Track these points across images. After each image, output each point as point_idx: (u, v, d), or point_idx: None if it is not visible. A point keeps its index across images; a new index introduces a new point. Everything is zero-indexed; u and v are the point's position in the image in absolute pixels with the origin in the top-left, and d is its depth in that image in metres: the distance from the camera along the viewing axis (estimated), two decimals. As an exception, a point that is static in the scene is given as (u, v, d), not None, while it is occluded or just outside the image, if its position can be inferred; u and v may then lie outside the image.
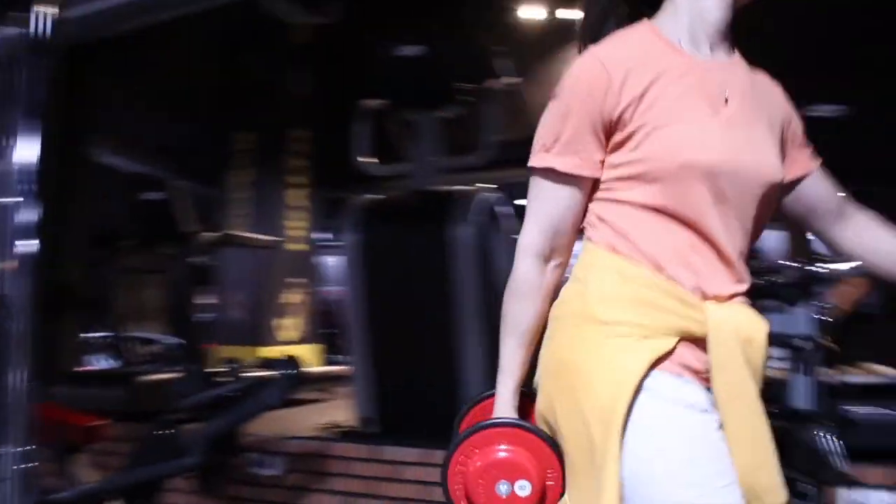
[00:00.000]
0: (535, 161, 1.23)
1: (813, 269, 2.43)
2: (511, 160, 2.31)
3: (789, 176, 1.29)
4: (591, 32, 1.27)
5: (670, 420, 1.09)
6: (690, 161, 1.14)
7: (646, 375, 1.10)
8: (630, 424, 1.07)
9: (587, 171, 1.20)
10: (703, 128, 1.17)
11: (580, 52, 1.25)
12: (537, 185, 1.23)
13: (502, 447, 1.13)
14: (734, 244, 1.19)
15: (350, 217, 3.73)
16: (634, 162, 1.17)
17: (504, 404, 1.20)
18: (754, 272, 2.61)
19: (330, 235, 7.01)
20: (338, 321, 5.36)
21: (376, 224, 3.67)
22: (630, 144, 1.17)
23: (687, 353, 1.15)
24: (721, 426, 1.12)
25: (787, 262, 2.46)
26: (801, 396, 2.35)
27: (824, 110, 4.59)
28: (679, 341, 1.14)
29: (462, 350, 3.44)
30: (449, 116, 3.75)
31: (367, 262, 3.65)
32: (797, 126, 1.31)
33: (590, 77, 1.17)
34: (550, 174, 1.21)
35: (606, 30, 1.26)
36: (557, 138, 1.19)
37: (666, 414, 1.10)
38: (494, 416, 1.18)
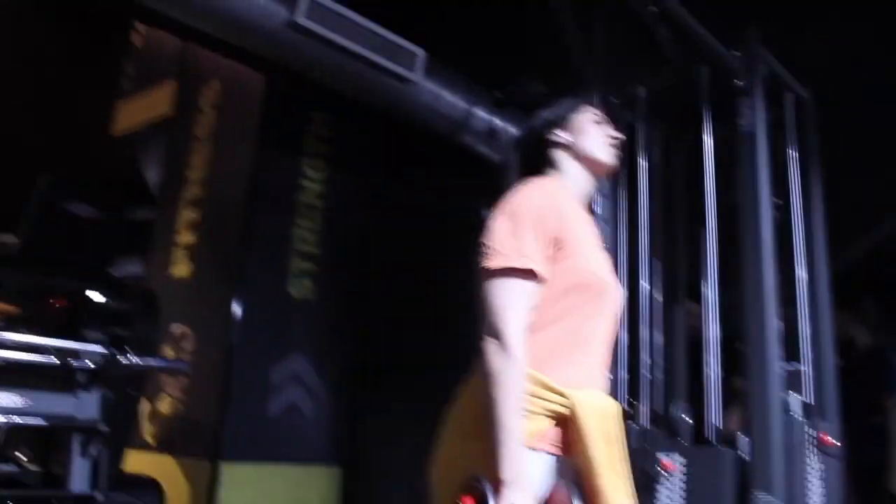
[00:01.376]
0: (515, 262, 1.45)
1: (111, 356, 2.50)
2: None
3: None
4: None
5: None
6: (601, 277, 1.54)
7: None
8: None
9: (547, 276, 1.48)
10: (602, 260, 1.58)
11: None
12: (515, 282, 1.45)
13: None
14: (607, 351, 1.58)
15: None
16: (559, 273, 1.49)
17: (524, 467, 1.37)
18: (53, 353, 2.59)
19: None
20: None
21: None
22: (559, 260, 1.49)
23: (554, 431, 1.45)
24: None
25: (94, 348, 2.49)
26: (83, 480, 2.37)
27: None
28: (554, 421, 1.44)
29: None
30: None
31: None
32: None
33: (542, 203, 1.51)
34: (530, 275, 1.46)
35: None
36: (530, 246, 1.46)
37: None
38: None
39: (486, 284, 1.47)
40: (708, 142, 3.06)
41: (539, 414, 1.44)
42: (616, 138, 1.71)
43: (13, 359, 2.35)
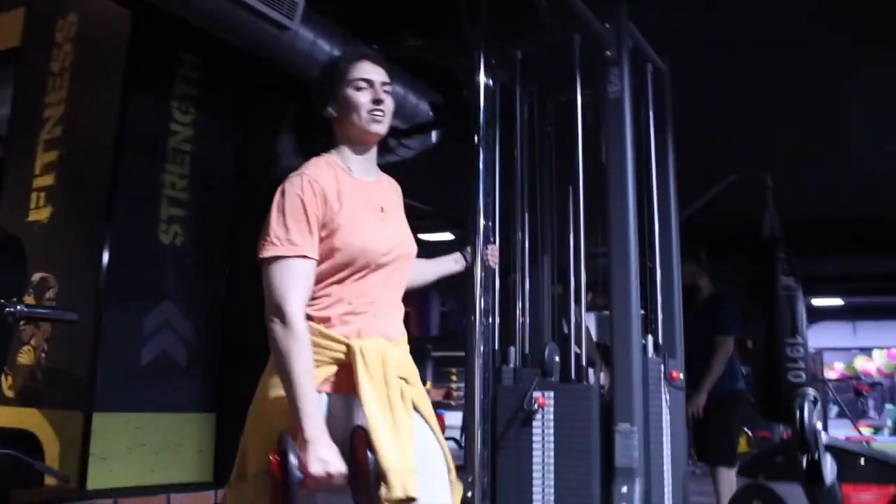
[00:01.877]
0: (286, 251, 1.66)
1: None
2: None
3: None
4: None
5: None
6: (368, 247, 1.74)
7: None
8: None
9: (317, 256, 1.71)
10: (373, 226, 1.78)
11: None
12: (289, 267, 1.66)
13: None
14: (393, 301, 1.82)
15: None
16: (331, 250, 1.71)
17: (322, 425, 1.61)
18: None
19: None
20: None
21: None
22: (329, 238, 1.71)
23: (342, 375, 1.70)
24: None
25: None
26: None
27: None
28: (338, 367, 1.70)
29: None
30: None
31: None
32: None
33: (307, 190, 1.70)
34: (301, 259, 1.68)
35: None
36: (299, 233, 1.68)
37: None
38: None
39: (265, 272, 1.70)
40: (578, 103, 3.30)
41: (325, 362, 1.70)
42: (379, 102, 1.79)
43: None
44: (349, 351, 1.70)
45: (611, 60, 3.12)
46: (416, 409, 1.78)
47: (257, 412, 1.78)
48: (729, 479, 4.45)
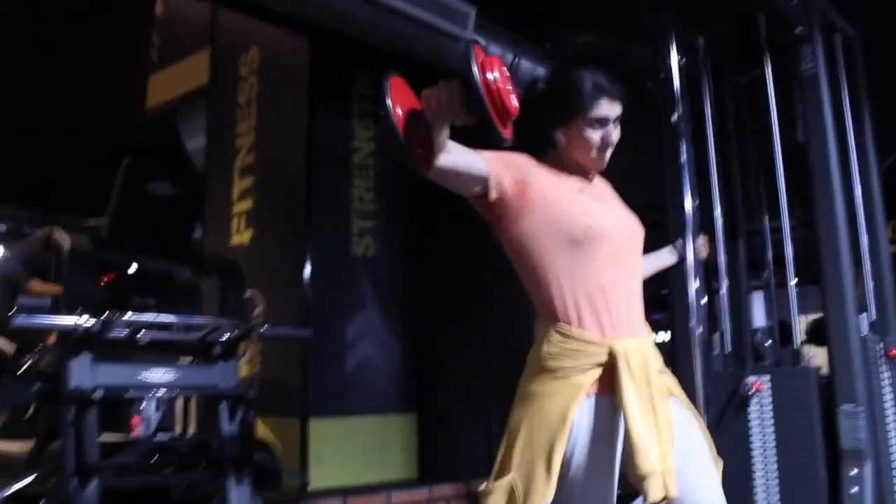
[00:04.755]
0: None
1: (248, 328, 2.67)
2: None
3: None
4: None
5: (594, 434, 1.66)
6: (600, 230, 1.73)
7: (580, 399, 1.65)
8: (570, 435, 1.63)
9: None
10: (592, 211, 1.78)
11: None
12: None
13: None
14: (631, 293, 1.79)
15: None
16: None
17: None
18: (193, 328, 2.75)
19: None
20: None
21: None
22: None
23: (605, 377, 1.67)
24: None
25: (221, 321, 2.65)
26: (233, 444, 2.56)
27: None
28: (602, 369, 1.67)
29: None
30: None
31: None
32: None
33: None
34: None
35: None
36: None
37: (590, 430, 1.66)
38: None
39: None
40: (769, 83, 3.22)
41: (589, 367, 1.69)
42: (607, 143, 1.77)
43: (163, 338, 2.53)
44: (612, 355, 1.69)
45: (801, 37, 3.02)
46: (671, 394, 1.81)
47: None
48: None
